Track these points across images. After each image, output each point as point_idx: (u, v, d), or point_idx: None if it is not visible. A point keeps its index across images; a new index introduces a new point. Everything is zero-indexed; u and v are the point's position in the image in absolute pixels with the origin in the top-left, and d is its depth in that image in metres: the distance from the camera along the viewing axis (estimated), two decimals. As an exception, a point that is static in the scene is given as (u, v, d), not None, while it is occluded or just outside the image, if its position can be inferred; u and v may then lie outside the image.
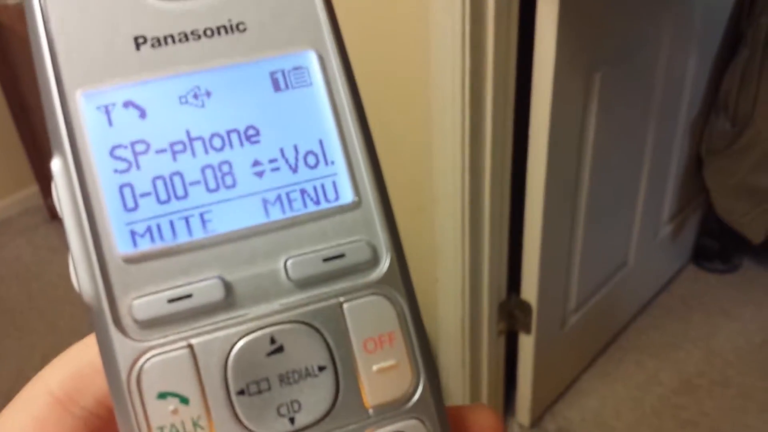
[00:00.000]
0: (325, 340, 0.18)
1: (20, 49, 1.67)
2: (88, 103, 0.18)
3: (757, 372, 1.46)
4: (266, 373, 0.18)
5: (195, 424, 0.17)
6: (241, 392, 0.17)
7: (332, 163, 0.19)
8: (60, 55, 0.17)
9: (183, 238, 0.18)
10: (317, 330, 0.18)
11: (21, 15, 1.50)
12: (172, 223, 0.18)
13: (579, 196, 1.20)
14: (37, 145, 1.91)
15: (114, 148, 0.18)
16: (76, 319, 1.69)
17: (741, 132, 1.45)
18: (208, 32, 0.18)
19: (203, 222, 0.18)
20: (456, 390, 1.28)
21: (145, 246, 0.18)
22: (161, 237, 0.18)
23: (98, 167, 0.17)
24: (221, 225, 0.18)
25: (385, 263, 0.19)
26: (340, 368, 0.18)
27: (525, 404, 1.35)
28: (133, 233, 0.18)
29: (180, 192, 0.18)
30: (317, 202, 0.19)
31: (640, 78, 1.24)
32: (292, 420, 0.18)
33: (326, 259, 0.18)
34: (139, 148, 0.18)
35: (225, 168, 0.18)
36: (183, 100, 0.18)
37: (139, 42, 0.18)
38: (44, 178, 1.98)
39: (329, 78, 0.19)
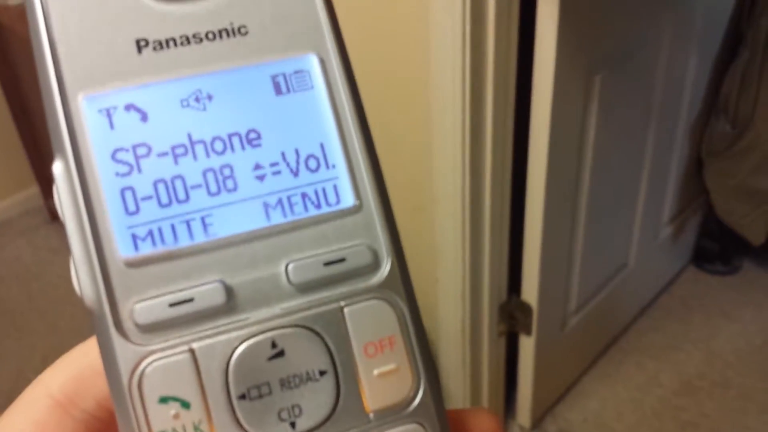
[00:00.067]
0: (326, 345, 0.18)
1: (21, 49, 1.67)
2: (90, 107, 0.17)
3: (757, 373, 1.46)
4: (267, 377, 0.18)
5: (196, 429, 0.17)
6: (242, 397, 0.17)
7: (333, 166, 0.19)
8: (62, 58, 0.17)
9: (184, 241, 0.18)
10: (318, 334, 0.18)
11: (22, 16, 1.50)
12: (173, 227, 0.18)
13: (579, 197, 1.20)
14: (37, 146, 1.91)
15: (116, 151, 0.18)
16: (77, 319, 1.69)
17: (741, 134, 1.45)
18: (210, 35, 0.18)
19: (204, 226, 0.18)
20: (456, 391, 1.28)
21: (146, 250, 0.18)
22: (163, 240, 0.18)
23: (100, 170, 0.17)
24: (222, 229, 0.18)
25: (385, 267, 0.19)
26: (341, 372, 0.18)
27: (525, 406, 1.35)
28: (134, 237, 0.18)
29: (181, 195, 0.18)
30: (318, 206, 0.19)
31: (641, 79, 1.24)
32: (293, 424, 0.18)
33: (327, 263, 0.18)
34: (141, 151, 0.18)
35: (226, 171, 0.18)
36: (185, 103, 0.18)
37: (140, 45, 0.18)
38: (45, 179, 1.98)
39: (330, 81, 0.19)
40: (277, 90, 0.19)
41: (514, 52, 0.97)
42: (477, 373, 1.26)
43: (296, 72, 0.19)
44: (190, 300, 0.17)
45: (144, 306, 0.17)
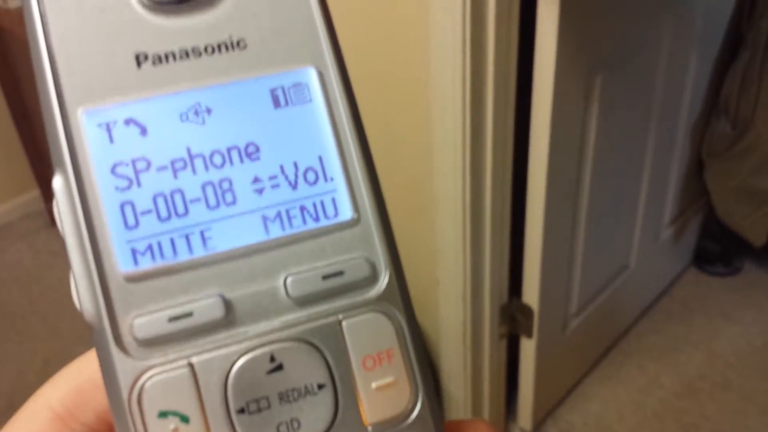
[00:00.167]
0: (324, 358, 0.18)
1: (21, 52, 1.67)
2: (90, 121, 0.18)
3: (758, 375, 1.46)
4: (266, 391, 0.18)
5: None
6: (241, 411, 0.17)
7: (332, 179, 0.19)
8: (61, 72, 0.18)
9: (183, 256, 0.18)
10: (317, 348, 0.18)
11: (22, 18, 1.50)
12: (172, 241, 0.18)
13: (580, 198, 1.20)
14: (38, 149, 1.91)
15: (115, 165, 0.18)
16: (77, 322, 1.69)
17: (741, 135, 1.45)
18: (209, 49, 0.18)
19: (203, 240, 0.18)
20: (457, 394, 1.28)
21: (146, 264, 0.18)
22: (162, 255, 0.18)
23: (99, 185, 0.17)
24: (221, 243, 0.18)
25: (383, 280, 0.19)
26: (340, 386, 0.18)
27: (527, 408, 1.35)
28: (134, 251, 0.18)
29: (180, 209, 0.18)
30: (317, 219, 0.19)
31: (641, 80, 1.24)
32: None
33: (325, 277, 0.18)
34: (140, 165, 0.18)
35: (225, 185, 0.18)
36: (184, 117, 0.18)
37: (140, 59, 0.18)
38: (45, 183, 1.98)
39: (329, 94, 0.19)
40: (276, 103, 0.19)
41: (514, 53, 0.97)
42: (478, 376, 1.26)
43: (295, 85, 0.19)
44: (189, 314, 0.17)
45: (143, 321, 0.17)
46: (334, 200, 0.19)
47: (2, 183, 2.05)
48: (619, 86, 1.15)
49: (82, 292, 0.17)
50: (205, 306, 0.18)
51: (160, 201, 0.18)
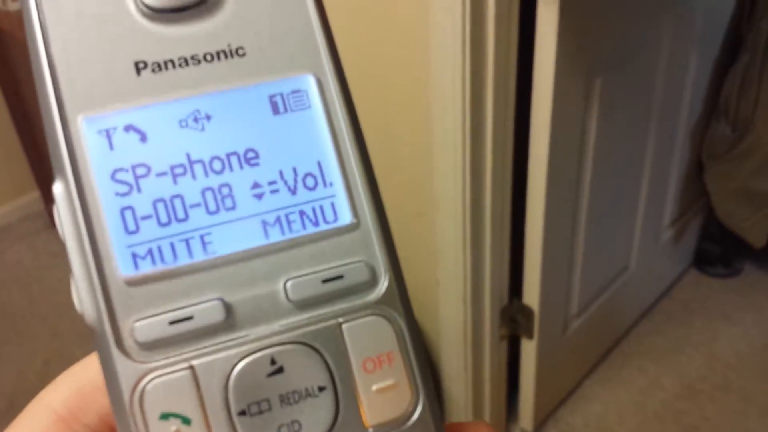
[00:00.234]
0: (324, 361, 0.18)
1: (21, 54, 1.67)
2: (90, 128, 0.18)
3: (758, 376, 1.46)
4: (267, 393, 0.18)
5: None
6: (242, 413, 0.18)
7: (331, 184, 0.19)
8: (61, 80, 0.18)
9: (184, 260, 0.18)
10: (317, 351, 0.18)
11: (22, 21, 1.50)
12: (172, 246, 0.18)
13: (580, 199, 1.20)
14: (37, 151, 1.91)
15: (115, 171, 0.18)
16: (77, 323, 1.69)
17: (741, 136, 1.45)
18: (208, 57, 0.19)
19: (203, 244, 0.18)
20: (458, 395, 1.28)
21: (146, 268, 0.18)
22: (162, 259, 0.18)
23: (100, 191, 0.18)
24: (221, 247, 0.18)
25: (383, 284, 0.19)
26: (340, 388, 0.18)
27: (527, 410, 1.35)
28: (134, 256, 0.18)
29: (180, 214, 0.18)
30: (316, 224, 0.19)
31: (641, 82, 1.24)
32: None
33: (325, 281, 0.19)
34: (140, 171, 0.18)
35: (225, 190, 0.18)
36: (183, 123, 0.18)
37: (139, 67, 0.18)
38: (45, 184, 1.98)
39: (327, 101, 0.19)
40: (275, 110, 0.19)
41: (514, 54, 0.97)
42: (479, 377, 1.26)
43: (293, 92, 0.19)
44: (190, 318, 0.18)
45: (144, 324, 0.17)
46: (333, 205, 0.19)
47: (2, 185, 2.05)
48: (619, 87, 1.15)
49: (83, 295, 0.18)
50: (206, 309, 0.18)
51: (160, 206, 0.18)
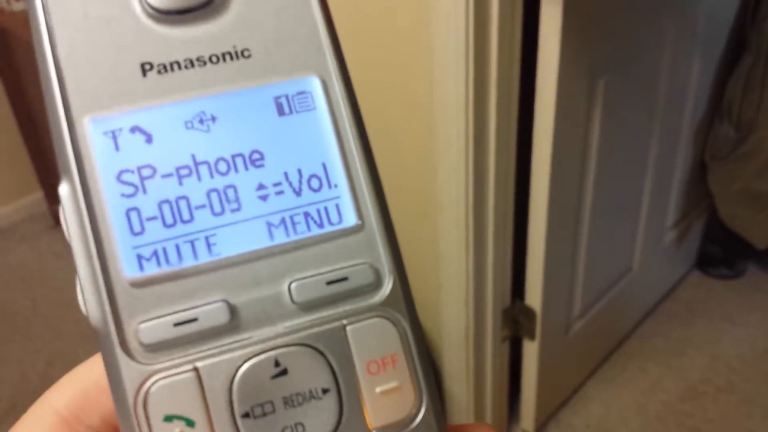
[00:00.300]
0: (328, 363, 0.18)
1: (25, 55, 1.67)
2: (96, 129, 0.18)
3: (761, 378, 1.46)
4: (271, 395, 0.18)
5: None
6: (246, 415, 0.18)
7: (335, 186, 0.19)
8: (68, 81, 0.18)
9: (189, 261, 0.18)
10: (321, 353, 0.18)
11: (26, 21, 1.50)
12: (177, 247, 0.18)
13: (583, 201, 1.20)
14: (41, 151, 1.92)
15: (121, 172, 0.18)
16: (80, 324, 1.69)
17: (745, 138, 1.45)
18: (214, 59, 0.19)
19: (208, 246, 0.18)
20: (460, 396, 1.28)
21: (151, 270, 0.18)
22: (167, 261, 0.18)
23: (105, 192, 0.18)
24: (226, 248, 0.18)
25: (387, 286, 0.19)
26: (344, 390, 0.18)
27: (529, 411, 1.35)
28: (139, 257, 0.18)
29: (186, 216, 0.18)
30: (321, 225, 0.19)
31: (644, 84, 1.24)
32: None
33: (330, 282, 0.19)
34: (146, 172, 0.18)
35: (230, 192, 0.18)
36: (189, 125, 0.18)
37: (145, 68, 0.18)
38: (49, 185, 1.98)
39: (332, 102, 0.19)
40: (280, 111, 0.19)
41: (517, 57, 0.97)
42: (481, 378, 1.26)
43: (299, 93, 0.19)
44: (195, 320, 0.18)
45: (149, 326, 0.17)
46: (338, 207, 0.19)
47: (6, 185, 2.05)
48: (622, 89, 1.15)
49: (87, 297, 0.18)
50: (210, 311, 0.18)
51: (166, 208, 0.18)
